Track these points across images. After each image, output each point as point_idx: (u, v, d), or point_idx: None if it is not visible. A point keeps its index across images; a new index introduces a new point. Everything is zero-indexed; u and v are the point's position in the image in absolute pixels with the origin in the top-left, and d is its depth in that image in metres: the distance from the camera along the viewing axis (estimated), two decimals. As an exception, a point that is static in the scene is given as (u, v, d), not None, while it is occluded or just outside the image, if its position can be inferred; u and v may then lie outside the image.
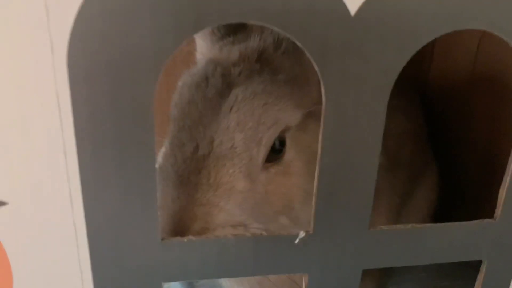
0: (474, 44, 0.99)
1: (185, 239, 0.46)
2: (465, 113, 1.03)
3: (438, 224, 0.51)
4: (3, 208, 0.43)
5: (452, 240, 0.51)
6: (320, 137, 0.44)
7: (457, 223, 0.51)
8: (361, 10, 0.39)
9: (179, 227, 0.52)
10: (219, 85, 0.57)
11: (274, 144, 0.58)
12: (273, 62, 0.61)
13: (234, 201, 0.55)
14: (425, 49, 1.17)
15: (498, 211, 0.51)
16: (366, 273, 0.88)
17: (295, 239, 0.47)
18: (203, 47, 0.67)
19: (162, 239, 0.46)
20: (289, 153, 0.59)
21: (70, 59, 0.38)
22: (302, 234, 0.47)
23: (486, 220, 0.51)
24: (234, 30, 0.66)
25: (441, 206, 0.98)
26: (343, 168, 0.45)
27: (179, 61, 0.67)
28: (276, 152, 0.58)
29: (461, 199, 1.02)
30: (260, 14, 0.39)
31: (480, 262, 0.53)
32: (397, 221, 0.81)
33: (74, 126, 0.40)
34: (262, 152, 0.56)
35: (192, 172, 0.54)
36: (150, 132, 0.41)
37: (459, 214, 0.95)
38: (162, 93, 0.65)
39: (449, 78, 1.11)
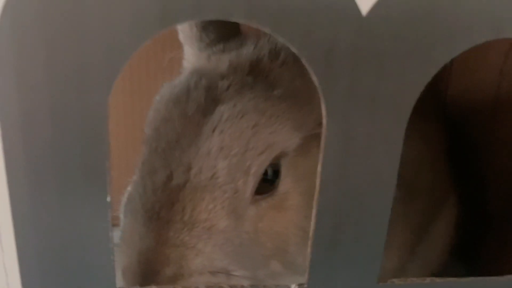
0: (500, 59, 0.91)
1: (146, 289, 0.38)
2: (488, 138, 0.96)
3: (465, 279, 0.44)
4: None
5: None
6: (319, 167, 0.37)
7: (489, 278, 0.44)
8: (375, 8, 0.33)
9: (147, 271, 0.45)
10: (202, 100, 0.50)
11: (266, 172, 0.50)
12: (268, 75, 0.54)
13: (214, 243, 0.47)
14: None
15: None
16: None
17: (284, 294, 0.41)
18: (190, 54, 0.60)
19: (118, 289, 0.39)
20: (285, 184, 0.51)
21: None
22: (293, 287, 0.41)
23: (527, 276, 0.43)
24: (226, 36, 0.58)
25: (463, 236, 0.89)
26: (348, 207, 0.39)
27: (164, 71, 0.60)
28: (269, 182, 0.50)
29: (485, 228, 0.95)
30: (246, 11, 0.32)
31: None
32: (411, 260, 0.73)
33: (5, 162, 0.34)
34: (250, 183, 0.49)
35: (163, 206, 0.47)
36: (103, 159, 0.35)
37: (482, 244, 0.89)
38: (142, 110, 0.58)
39: (470, 97, 1.04)
